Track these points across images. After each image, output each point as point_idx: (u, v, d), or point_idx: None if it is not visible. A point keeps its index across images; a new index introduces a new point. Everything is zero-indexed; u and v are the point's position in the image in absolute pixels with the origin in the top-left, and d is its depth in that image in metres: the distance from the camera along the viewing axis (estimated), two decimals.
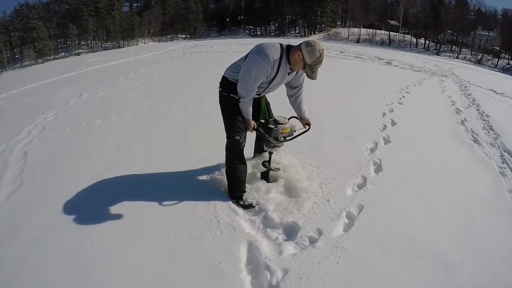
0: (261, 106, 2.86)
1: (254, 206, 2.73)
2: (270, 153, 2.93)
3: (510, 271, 2.19)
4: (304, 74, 2.58)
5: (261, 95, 2.79)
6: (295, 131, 2.87)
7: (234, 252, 2.26)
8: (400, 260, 2.23)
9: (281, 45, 2.49)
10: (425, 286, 2.04)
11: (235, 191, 2.81)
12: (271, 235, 2.44)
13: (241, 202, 2.76)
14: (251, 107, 2.62)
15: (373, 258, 2.23)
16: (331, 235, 2.43)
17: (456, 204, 2.97)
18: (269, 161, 2.94)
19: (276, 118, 2.80)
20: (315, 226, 2.51)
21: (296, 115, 2.97)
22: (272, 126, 2.70)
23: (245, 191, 2.80)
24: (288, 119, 2.87)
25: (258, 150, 3.09)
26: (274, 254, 2.25)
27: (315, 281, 2.03)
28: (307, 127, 2.93)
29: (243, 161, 2.76)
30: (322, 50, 2.36)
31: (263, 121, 2.80)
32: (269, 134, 2.70)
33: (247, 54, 2.54)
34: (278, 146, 2.86)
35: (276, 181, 2.99)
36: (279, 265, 2.15)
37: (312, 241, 2.38)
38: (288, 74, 2.56)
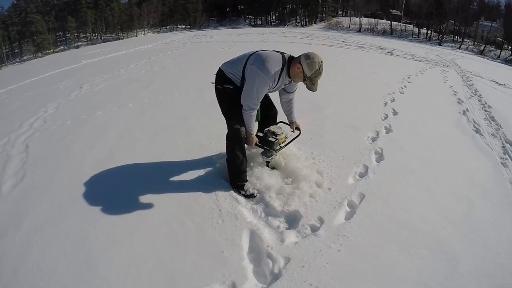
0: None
1: (256, 196, 2.74)
2: (268, 162, 3.03)
3: (511, 260, 2.20)
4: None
5: None
6: (287, 137, 2.98)
7: (236, 241, 2.28)
8: (401, 248, 2.24)
9: (283, 56, 2.52)
10: (427, 274, 2.05)
11: (236, 180, 2.82)
12: (273, 224, 2.45)
13: (243, 192, 2.77)
14: (254, 122, 2.65)
15: (374, 247, 2.25)
16: (333, 224, 2.45)
17: (457, 194, 2.98)
18: (268, 162, 3.04)
19: (271, 129, 2.89)
20: (316, 215, 2.53)
21: (284, 119, 3.11)
22: (272, 140, 2.82)
23: (247, 180, 2.82)
24: (277, 123, 3.05)
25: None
26: (276, 242, 2.27)
27: (317, 269, 2.05)
28: (297, 131, 3.07)
29: (243, 151, 2.77)
30: (322, 62, 2.42)
31: (261, 134, 2.88)
32: (272, 148, 2.80)
33: (246, 61, 2.56)
34: (275, 155, 2.96)
35: (277, 169, 3.01)
36: (281, 253, 2.16)
37: (314, 229, 2.40)
38: (285, 85, 2.66)
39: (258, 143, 2.76)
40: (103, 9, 55.65)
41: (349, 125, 4.46)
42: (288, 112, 3.04)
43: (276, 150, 2.87)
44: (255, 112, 2.59)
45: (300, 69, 2.40)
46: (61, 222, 2.52)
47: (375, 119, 4.90)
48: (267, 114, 3.02)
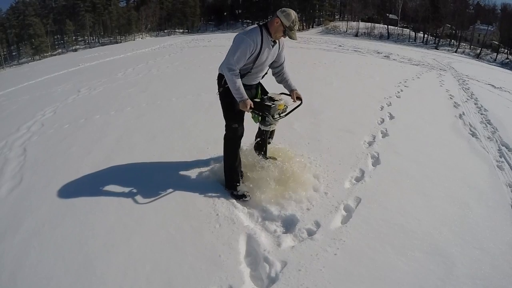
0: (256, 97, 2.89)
1: (247, 197, 2.77)
2: (266, 132, 2.93)
3: (507, 263, 2.22)
4: (284, 51, 2.88)
5: (256, 81, 2.88)
6: (287, 107, 2.88)
7: (233, 245, 2.29)
8: (398, 252, 2.26)
9: (257, 24, 2.69)
10: (423, 277, 2.07)
11: (230, 180, 2.87)
12: (269, 228, 2.47)
13: (235, 192, 2.82)
14: (241, 85, 2.61)
15: (371, 250, 2.26)
16: (329, 228, 2.46)
17: (454, 197, 3.00)
18: (265, 140, 2.96)
19: (270, 95, 2.82)
20: (313, 219, 2.54)
21: (285, 91, 3.02)
22: (270, 104, 2.71)
23: (239, 181, 2.86)
24: (278, 94, 2.91)
25: (258, 148, 3.09)
26: (272, 246, 2.28)
27: (313, 273, 2.06)
28: (299, 101, 2.96)
29: (237, 152, 2.83)
30: (295, 13, 2.60)
31: (258, 100, 2.80)
32: (269, 112, 2.70)
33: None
34: (274, 124, 2.85)
35: (275, 173, 2.96)
36: (278, 257, 2.17)
37: (310, 233, 2.41)
38: (272, 47, 2.70)
39: (253, 107, 2.67)
40: (101, 12, 55.63)
41: (346, 129, 4.49)
42: (285, 82, 2.99)
43: (275, 118, 2.77)
44: (236, 74, 2.57)
45: (279, 23, 2.55)
46: (59, 225, 2.52)
47: (371, 123, 4.93)
48: None
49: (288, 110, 2.89)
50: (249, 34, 2.56)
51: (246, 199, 2.77)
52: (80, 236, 2.39)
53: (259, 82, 2.96)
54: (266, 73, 2.94)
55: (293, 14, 2.56)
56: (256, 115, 2.80)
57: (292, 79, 3.00)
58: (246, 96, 2.61)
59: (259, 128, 3.02)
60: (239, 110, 2.67)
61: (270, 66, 2.91)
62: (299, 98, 2.96)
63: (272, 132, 3.10)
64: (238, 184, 2.84)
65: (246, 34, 2.56)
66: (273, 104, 2.72)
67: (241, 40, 2.54)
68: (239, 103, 2.61)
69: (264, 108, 2.71)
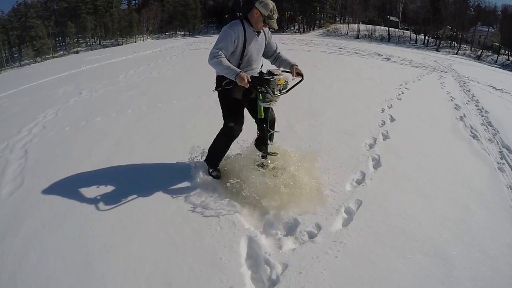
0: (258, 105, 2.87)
1: (218, 178, 3.07)
2: (267, 110, 2.84)
3: (507, 265, 2.21)
4: (273, 39, 2.99)
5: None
6: (287, 83, 2.79)
7: (234, 247, 2.29)
8: (398, 254, 2.25)
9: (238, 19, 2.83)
10: (423, 279, 2.06)
11: (211, 160, 3.12)
12: (270, 230, 2.46)
13: (210, 170, 3.11)
14: (229, 64, 2.62)
15: (371, 253, 2.26)
16: (330, 230, 2.46)
17: (454, 199, 3.00)
18: (266, 119, 2.87)
19: (269, 70, 2.74)
20: (314, 221, 2.54)
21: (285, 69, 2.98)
22: (269, 77, 2.62)
23: (218, 166, 3.12)
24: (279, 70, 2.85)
25: (259, 143, 3.09)
26: (273, 249, 2.28)
27: (314, 275, 2.06)
28: (300, 77, 2.88)
29: (227, 146, 3.03)
30: (273, 3, 2.71)
31: (257, 74, 2.75)
32: (268, 86, 2.60)
33: None
34: (274, 100, 2.74)
35: (276, 175, 2.94)
36: (279, 259, 2.17)
37: (311, 236, 2.41)
38: (258, 37, 2.79)
39: (252, 81, 2.58)
40: (102, 14, 55.85)
41: (347, 132, 4.49)
42: (284, 62, 2.98)
43: (275, 94, 2.66)
44: (220, 57, 2.61)
45: (258, 13, 2.67)
46: (59, 227, 2.53)
47: (372, 125, 4.93)
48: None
49: (288, 87, 2.81)
50: (230, 25, 2.73)
51: (216, 178, 3.07)
52: (80, 237, 2.40)
53: None
54: (262, 66, 2.95)
55: (271, 3, 2.66)
56: (258, 93, 2.71)
57: (290, 58, 3.02)
58: (238, 70, 2.58)
59: (258, 130, 3.04)
60: (236, 110, 2.76)
61: (265, 56, 3.03)
62: (299, 74, 2.87)
63: (272, 134, 3.09)
64: (216, 167, 3.10)
65: (228, 26, 2.73)
66: (273, 78, 2.62)
67: (223, 32, 2.71)
68: (236, 80, 2.55)
69: (263, 82, 2.61)
